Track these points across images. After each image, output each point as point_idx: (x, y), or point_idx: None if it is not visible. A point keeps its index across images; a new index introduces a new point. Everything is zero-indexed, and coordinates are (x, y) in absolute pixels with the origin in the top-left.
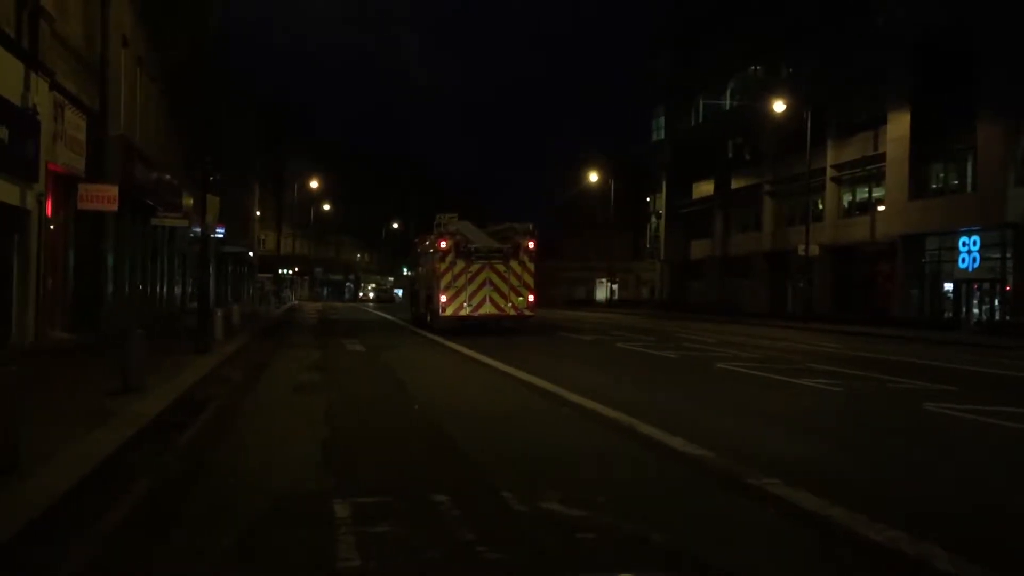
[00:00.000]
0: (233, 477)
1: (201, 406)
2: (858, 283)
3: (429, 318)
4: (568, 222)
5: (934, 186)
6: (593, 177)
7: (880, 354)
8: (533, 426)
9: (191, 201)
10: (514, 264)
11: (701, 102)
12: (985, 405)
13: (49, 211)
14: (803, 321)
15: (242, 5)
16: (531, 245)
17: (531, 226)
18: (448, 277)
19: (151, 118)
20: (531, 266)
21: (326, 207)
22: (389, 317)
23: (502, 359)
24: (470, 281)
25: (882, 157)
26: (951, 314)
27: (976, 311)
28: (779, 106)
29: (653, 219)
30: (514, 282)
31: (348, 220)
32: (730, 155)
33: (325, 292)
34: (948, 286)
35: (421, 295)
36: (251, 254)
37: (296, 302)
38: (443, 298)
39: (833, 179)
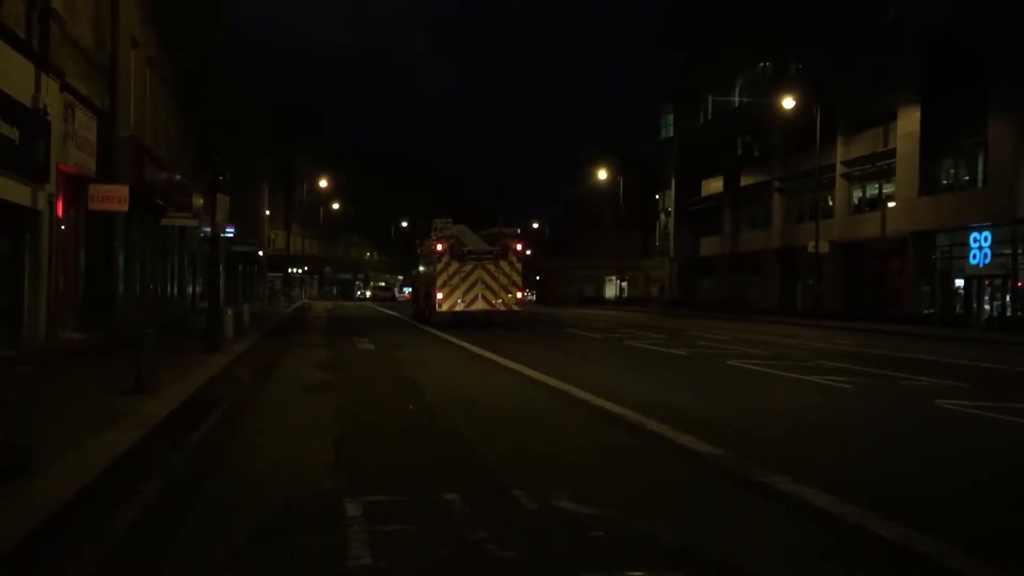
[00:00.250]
0: (244, 476)
1: (212, 406)
2: (868, 280)
3: (427, 313)
4: (577, 220)
5: (945, 182)
6: (602, 175)
7: (891, 351)
8: (543, 424)
9: (201, 201)
10: (503, 264)
11: (710, 99)
12: (997, 402)
13: (60, 211)
14: (813, 318)
15: (250, 7)
16: (518, 247)
17: (518, 230)
18: (444, 276)
19: (161, 118)
20: (519, 266)
21: (335, 206)
22: (394, 314)
23: (512, 357)
24: (464, 280)
25: (892, 153)
26: (962, 310)
27: (987, 307)
28: (788, 102)
29: (662, 217)
30: (503, 280)
31: (357, 219)
32: (739, 152)
33: (335, 291)
34: (959, 282)
35: (421, 292)
36: (261, 253)
37: (306, 301)
38: (440, 295)
39: (843, 175)
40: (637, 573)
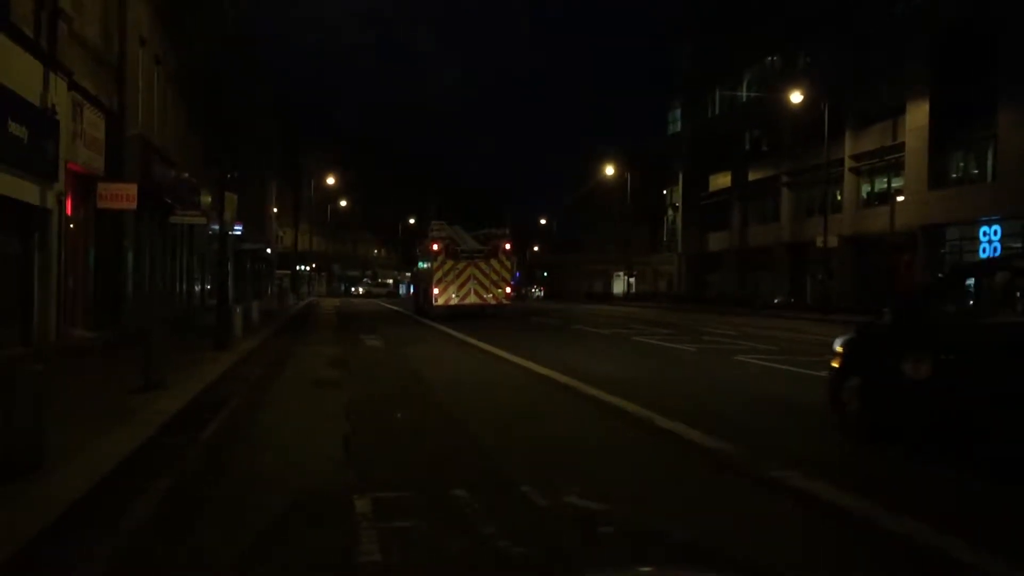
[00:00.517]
0: (254, 473)
1: (222, 403)
2: (878, 274)
3: (426, 307)
4: (585, 216)
5: (954, 176)
6: (609, 171)
7: None
8: (551, 420)
9: (209, 199)
10: (493, 262)
11: (717, 94)
12: None
13: (69, 210)
14: (822, 313)
15: (253, 6)
16: (507, 246)
17: (507, 231)
18: (440, 273)
19: (169, 116)
20: (507, 263)
21: (343, 203)
22: (397, 309)
23: (520, 354)
24: (458, 276)
25: (901, 147)
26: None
27: None
28: (796, 97)
29: (670, 212)
30: (494, 276)
31: (365, 216)
32: (747, 147)
33: (343, 288)
34: None
35: (420, 288)
36: (269, 251)
37: (315, 298)
38: (436, 290)
39: (851, 170)
40: (646, 568)
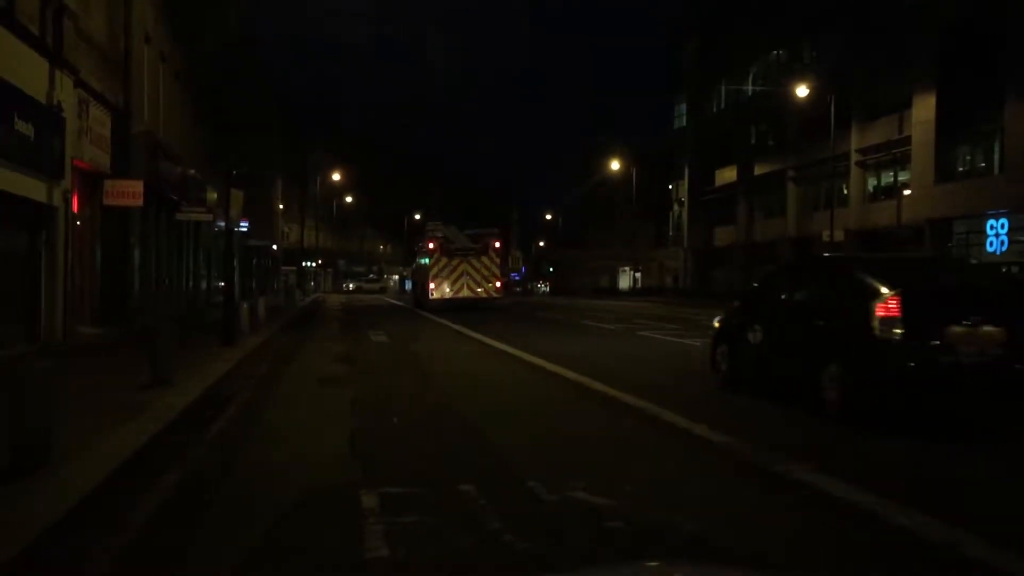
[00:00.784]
0: (261, 469)
1: (228, 399)
2: None
3: (423, 301)
4: (591, 211)
5: (961, 169)
6: (615, 166)
7: None
8: (557, 414)
9: (215, 195)
10: (484, 259)
11: (723, 88)
12: None
13: (76, 207)
14: None
15: (257, 3)
16: (497, 245)
17: (497, 231)
18: (435, 269)
19: (175, 113)
20: (497, 260)
21: (348, 199)
22: (398, 303)
23: (528, 349)
24: (452, 272)
25: (908, 140)
26: None
27: None
28: (802, 91)
29: (676, 207)
30: (484, 272)
31: (371, 212)
32: (753, 141)
33: (350, 284)
34: None
35: (418, 283)
36: (275, 247)
37: (320, 294)
38: (432, 285)
39: (858, 163)
40: (653, 563)
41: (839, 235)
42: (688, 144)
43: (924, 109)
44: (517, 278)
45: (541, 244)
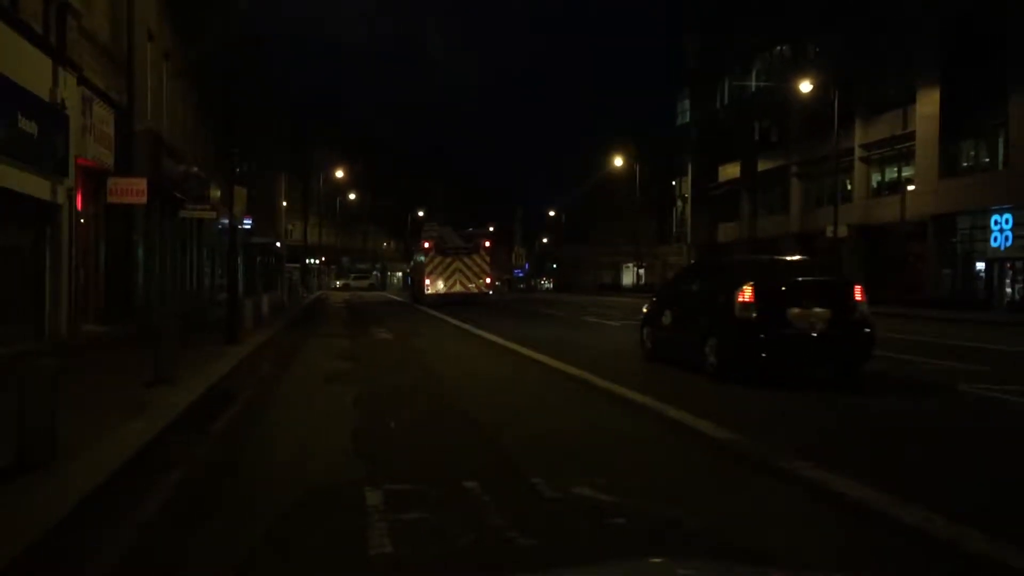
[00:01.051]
0: (265, 466)
1: (232, 396)
2: (889, 264)
3: (420, 296)
4: (594, 207)
5: (965, 164)
6: (618, 162)
7: (912, 335)
8: (560, 411)
9: (219, 193)
10: (476, 257)
11: (726, 84)
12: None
13: (79, 205)
14: None
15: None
16: (487, 244)
17: (489, 231)
18: (430, 267)
19: (178, 111)
20: (487, 258)
21: (352, 196)
22: (398, 299)
23: (532, 347)
24: (445, 269)
25: (911, 136)
26: (984, 294)
27: (1009, 290)
28: (806, 86)
29: (679, 203)
30: (475, 269)
31: (374, 209)
32: (756, 137)
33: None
34: (980, 265)
35: (415, 279)
36: (279, 245)
37: (323, 291)
38: (427, 281)
39: (862, 159)
40: (657, 560)
41: (843, 231)
42: (691, 140)
43: (928, 104)
44: (520, 275)
45: (544, 241)
